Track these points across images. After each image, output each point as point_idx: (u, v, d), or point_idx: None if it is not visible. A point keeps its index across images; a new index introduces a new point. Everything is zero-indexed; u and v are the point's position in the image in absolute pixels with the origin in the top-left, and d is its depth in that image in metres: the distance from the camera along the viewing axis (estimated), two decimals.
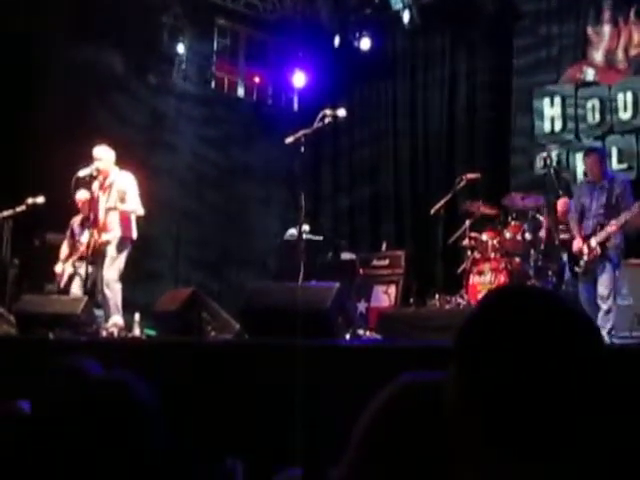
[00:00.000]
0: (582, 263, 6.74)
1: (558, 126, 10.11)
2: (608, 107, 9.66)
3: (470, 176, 8.39)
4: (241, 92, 12.30)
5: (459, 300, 7.93)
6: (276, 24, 11.92)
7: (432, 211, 8.27)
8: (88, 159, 7.35)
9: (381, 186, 11.79)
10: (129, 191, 7.36)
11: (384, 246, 10.17)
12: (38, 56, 9.33)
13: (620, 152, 9.48)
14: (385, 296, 9.47)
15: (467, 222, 8.21)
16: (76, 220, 8.09)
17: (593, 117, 9.80)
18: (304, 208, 6.31)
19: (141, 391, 1.85)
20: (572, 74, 10.11)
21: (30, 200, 8.00)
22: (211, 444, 3.96)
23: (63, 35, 9.51)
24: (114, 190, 7.34)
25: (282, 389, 3.96)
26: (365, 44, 11.57)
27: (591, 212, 6.83)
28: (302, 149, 6.19)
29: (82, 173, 7.23)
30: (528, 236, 7.81)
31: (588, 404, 0.95)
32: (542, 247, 7.66)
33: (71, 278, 7.82)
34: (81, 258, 7.60)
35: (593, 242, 6.65)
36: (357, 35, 11.63)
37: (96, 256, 7.32)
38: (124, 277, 7.32)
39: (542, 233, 7.74)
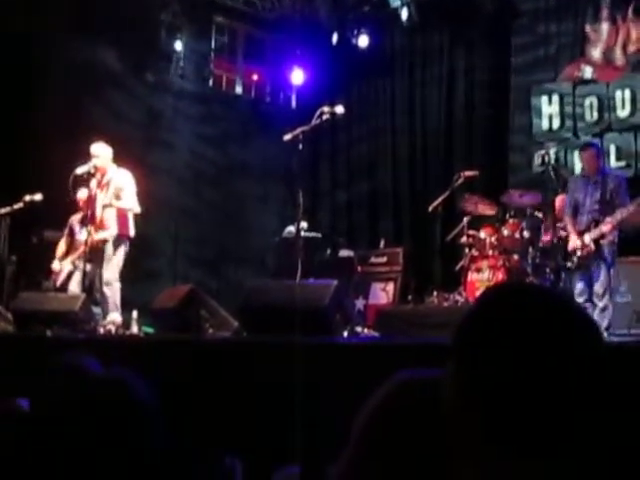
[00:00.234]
0: (575, 259, 6.75)
1: (556, 124, 10.11)
2: (606, 105, 9.66)
3: (468, 173, 8.39)
4: (239, 90, 12.28)
5: (457, 297, 7.93)
6: (274, 22, 11.91)
7: (430, 208, 8.27)
8: (86, 156, 7.34)
9: (379, 183, 11.79)
10: (126, 188, 7.35)
11: (382, 243, 10.17)
12: (37, 55, 9.32)
13: (618, 150, 9.48)
14: (383, 293, 9.47)
15: (465, 219, 8.22)
16: (76, 218, 8.08)
17: (591, 115, 9.80)
18: (302, 205, 6.30)
19: (140, 390, 1.84)
20: (570, 72, 10.11)
21: (28, 197, 7.98)
22: (209, 442, 3.96)
23: (62, 33, 9.48)
24: (111, 187, 7.34)
25: (280, 387, 3.96)
26: (363, 42, 11.56)
27: (585, 208, 6.84)
28: (300, 146, 6.18)
29: (80, 170, 7.23)
30: (526, 233, 7.82)
31: (587, 401, 0.95)
32: (540, 244, 7.67)
33: (69, 276, 7.81)
34: (80, 256, 7.59)
35: (587, 239, 6.66)
36: (355, 33, 11.62)
37: (94, 254, 7.31)
38: (122, 275, 7.33)
39: (540, 231, 7.75)
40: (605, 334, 6.11)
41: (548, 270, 7.49)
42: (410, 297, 8.86)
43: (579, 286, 6.78)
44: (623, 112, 9.54)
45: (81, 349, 3.39)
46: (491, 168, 9.98)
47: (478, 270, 7.83)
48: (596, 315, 6.38)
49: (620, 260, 7.07)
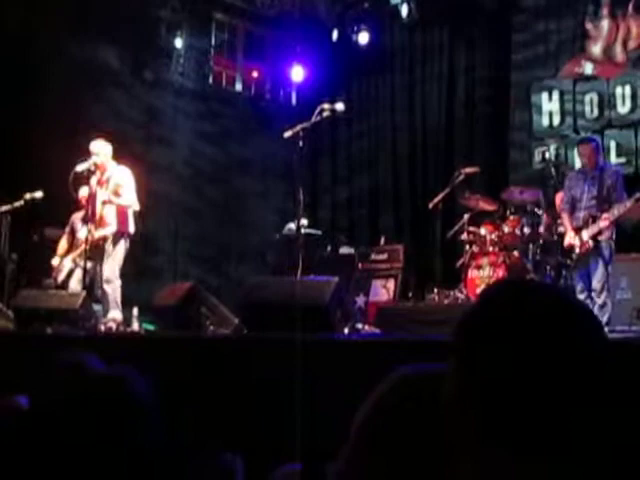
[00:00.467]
0: (574, 256, 6.74)
1: (556, 121, 10.11)
2: (606, 101, 9.66)
3: (468, 170, 8.38)
4: (239, 87, 12.28)
5: (457, 294, 7.94)
6: (274, 19, 11.89)
7: (430, 205, 8.26)
8: (86, 154, 7.34)
9: (380, 180, 11.79)
10: (125, 185, 7.34)
11: (382, 240, 10.17)
12: (37, 53, 9.31)
13: (618, 146, 9.48)
14: (384, 290, 9.47)
15: (466, 216, 8.22)
16: (77, 216, 8.07)
17: (591, 111, 9.80)
18: (302, 202, 6.31)
19: (140, 387, 1.84)
20: (570, 68, 10.10)
21: (28, 195, 7.97)
22: (209, 439, 3.96)
23: (62, 31, 9.48)
24: (111, 184, 7.34)
25: (281, 384, 3.96)
26: (363, 38, 11.56)
27: (582, 203, 6.83)
28: (300, 143, 6.18)
29: (80, 168, 7.22)
30: (526, 230, 7.82)
31: (588, 398, 0.95)
32: (540, 241, 7.66)
33: (70, 273, 7.81)
34: (80, 254, 7.59)
35: (585, 235, 6.64)
36: (355, 29, 11.62)
37: (94, 251, 7.31)
38: (123, 273, 7.32)
39: (540, 227, 7.74)
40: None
41: (549, 267, 7.49)
42: (411, 294, 8.87)
43: (579, 283, 6.77)
44: (623, 108, 9.54)
45: (82, 347, 3.39)
46: (491, 165, 9.98)
47: (478, 267, 7.83)
48: (595, 311, 6.37)
49: (620, 257, 7.07)
